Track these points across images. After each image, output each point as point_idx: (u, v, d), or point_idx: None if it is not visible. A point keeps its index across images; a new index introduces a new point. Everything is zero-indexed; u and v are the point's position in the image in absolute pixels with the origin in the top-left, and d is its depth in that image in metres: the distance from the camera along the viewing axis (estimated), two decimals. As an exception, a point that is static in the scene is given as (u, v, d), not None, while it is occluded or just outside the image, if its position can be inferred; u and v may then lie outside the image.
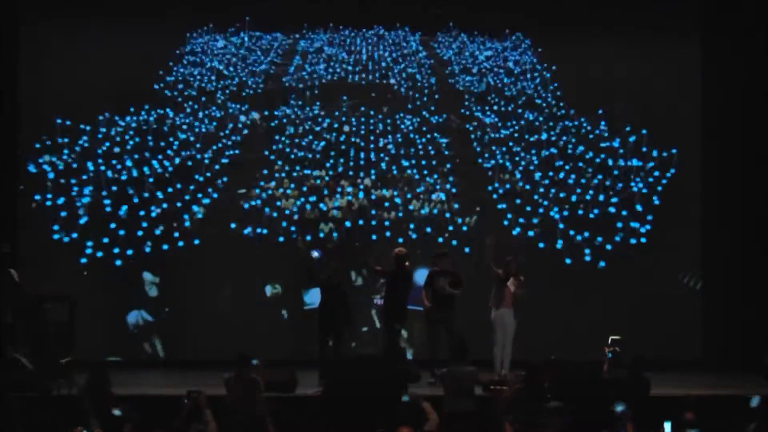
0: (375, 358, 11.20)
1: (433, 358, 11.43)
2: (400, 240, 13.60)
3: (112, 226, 13.56)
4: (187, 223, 13.73)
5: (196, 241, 13.70)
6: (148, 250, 13.58)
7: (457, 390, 8.88)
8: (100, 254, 13.46)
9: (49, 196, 13.54)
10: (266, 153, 14.15)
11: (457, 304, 11.51)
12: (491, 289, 11.48)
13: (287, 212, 13.87)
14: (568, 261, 13.86)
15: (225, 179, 13.99)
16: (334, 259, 12.30)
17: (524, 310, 11.53)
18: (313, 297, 12.66)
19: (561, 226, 13.96)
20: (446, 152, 14.29)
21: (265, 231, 13.77)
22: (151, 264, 13.64)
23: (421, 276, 12.14)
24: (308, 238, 13.76)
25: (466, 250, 13.67)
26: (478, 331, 11.91)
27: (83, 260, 13.43)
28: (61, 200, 13.57)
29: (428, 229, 13.89)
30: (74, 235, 13.47)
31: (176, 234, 13.66)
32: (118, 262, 13.52)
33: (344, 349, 11.43)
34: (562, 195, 14.07)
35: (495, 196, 14.10)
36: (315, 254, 11.91)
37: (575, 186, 14.12)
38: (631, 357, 9.56)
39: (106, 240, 13.51)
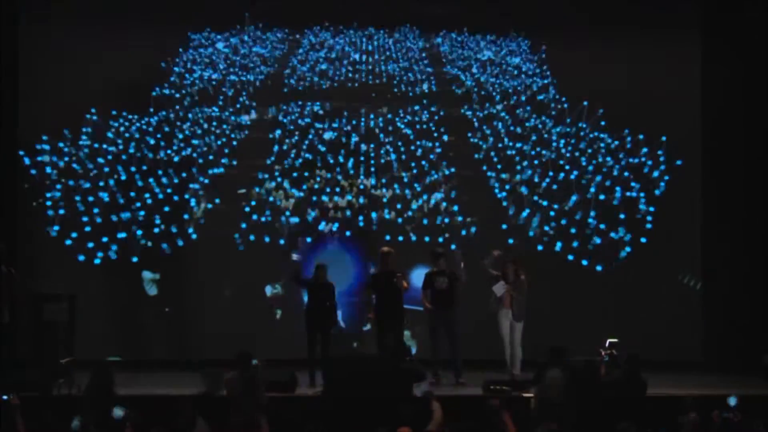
0: (377, 358, 11.20)
1: (434, 359, 11.48)
2: (400, 238, 13.68)
3: (112, 225, 13.58)
4: (188, 225, 13.73)
5: (195, 238, 13.71)
6: (147, 249, 13.59)
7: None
8: (100, 254, 13.48)
9: (49, 195, 13.56)
10: (266, 153, 14.15)
11: (458, 304, 11.53)
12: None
13: (287, 212, 13.88)
14: (568, 259, 13.87)
15: (225, 178, 14.00)
16: (320, 258, 12.30)
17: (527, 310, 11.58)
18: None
19: (563, 221, 13.96)
20: (447, 152, 14.28)
21: (265, 231, 13.78)
22: (151, 263, 13.65)
23: (419, 276, 12.15)
24: (308, 239, 13.79)
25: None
26: (483, 331, 11.96)
27: (83, 259, 13.43)
28: (61, 200, 13.57)
29: (428, 230, 13.91)
30: (74, 235, 13.48)
31: (176, 233, 13.67)
32: (119, 263, 13.52)
33: (332, 347, 11.50)
34: (562, 195, 14.07)
35: (495, 194, 14.12)
36: (295, 257, 11.91)
37: (575, 186, 14.12)
38: (626, 357, 9.57)
39: (105, 239, 13.52)
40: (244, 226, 13.77)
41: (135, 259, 13.59)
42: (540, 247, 13.88)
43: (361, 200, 14.02)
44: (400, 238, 13.75)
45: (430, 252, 11.94)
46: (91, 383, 8.68)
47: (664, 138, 14.11)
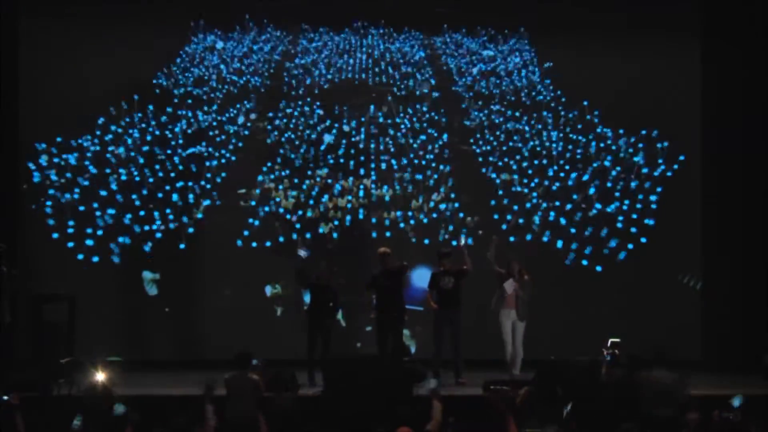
0: (377, 358, 11.19)
1: (437, 358, 11.48)
2: (401, 230, 13.70)
3: (112, 225, 13.58)
4: (187, 222, 13.73)
5: (195, 238, 13.70)
6: (148, 249, 13.60)
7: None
8: (100, 254, 13.47)
9: (50, 194, 13.56)
10: (266, 153, 14.14)
11: (462, 303, 11.54)
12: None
13: (287, 212, 13.89)
14: (568, 261, 13.88)
15: (225, 179, 13.99)
16: (323, 259, 12.30)
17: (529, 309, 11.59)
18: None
19: (563, 221, 13.96)
20: (446, 152, 14.28)
21: (265, 231, 13.78)
22: (151, 263, 13.66)
23: (419, 276, 12.15)
24: (308, 236, 13.78)
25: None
26: (483, 331, 11.96)
27: (83, 259, 13.44)
28: (61, 200, 13.57)
29: (428, 230, 13.91)
30: (70, 232, 13.47)
31: (177, 234, 13.67)
32: (119, 263, 13.53)
33: (333, 348, 11.52)
34: (562, 195, 14.08)
35: (495, 194, 14.12)
36: (302, 253, 11.87)
37: (575, 185, 14.12)
38: (627, 356, 9.57)
39: (105, 240, 13.52)
40: (244, 226, 13.77)
41: (134, 259, 13.59)
42: (540, 248, 13.86)
43: (362, 200, 14.02)
44: (401, 230, 13.77)
45: (437, 252, 11.92)
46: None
47: (664, 138, 14.11)
